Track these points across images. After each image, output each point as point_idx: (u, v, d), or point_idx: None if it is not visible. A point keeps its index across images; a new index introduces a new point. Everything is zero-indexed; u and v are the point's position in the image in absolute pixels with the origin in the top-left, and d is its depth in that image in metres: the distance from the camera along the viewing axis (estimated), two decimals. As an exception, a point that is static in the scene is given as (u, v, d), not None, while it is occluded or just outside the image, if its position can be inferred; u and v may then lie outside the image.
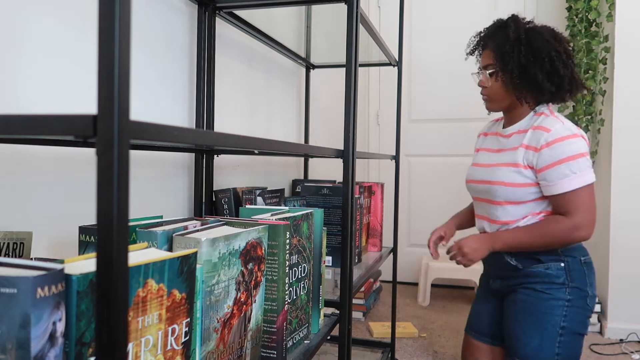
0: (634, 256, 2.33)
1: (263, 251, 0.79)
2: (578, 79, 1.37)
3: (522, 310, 1.38)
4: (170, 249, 0.68)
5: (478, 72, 1.47)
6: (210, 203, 1.35)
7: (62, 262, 0.50)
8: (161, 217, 0.82)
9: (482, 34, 1.48)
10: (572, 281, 1.34)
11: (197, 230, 0.72)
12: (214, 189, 1.37)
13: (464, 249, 1.36)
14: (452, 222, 1.64)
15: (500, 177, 1.38)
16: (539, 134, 1.32)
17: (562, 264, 1.34)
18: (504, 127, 1.47)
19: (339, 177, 1.29)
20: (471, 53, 1.51)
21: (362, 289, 2.52)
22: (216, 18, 1.33)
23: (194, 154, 1.31)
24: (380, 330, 2.31)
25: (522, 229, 1.36)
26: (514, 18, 1.43)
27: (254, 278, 0.77)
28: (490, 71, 1.40)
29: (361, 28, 1.29)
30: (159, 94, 1.19)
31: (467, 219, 1.65)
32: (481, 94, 1.47)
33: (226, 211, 1.35)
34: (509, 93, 1.39)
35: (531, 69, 1.32)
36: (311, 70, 2.14)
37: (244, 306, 0.75)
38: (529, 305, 1.37)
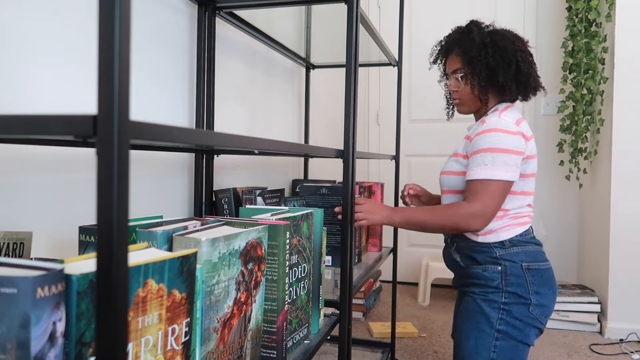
0: (634, 256, 2.33)
1: (263, 251, 0.79)
2: (538, 79, 1.41)
3: (463, 310, 1.38)
4: (170, 249, 0.68)
5: (444, 78, 1.52)
6: (210, 203, 1.35)
7: (62, 262, 0.50)
8: (161, 217, 0.82)
9: (445, 41, 1.50)
10: (508, 286, 1.30)
11: (197, 230, 0.72)
12: (214, 189, 1.37)
13: (362, 207, 1.33)
14: (429, 194, 1.71)
15: (446, 167, 1.46)
16: (478, 125, 1.38)
17: (499, 267, 1.32)
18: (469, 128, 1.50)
19: (339, 177, 1.28)
20: (435, 61, 1.54)
21: (362, 289, 2.52)
22: (216, 18, 1.33)
23: (194, 154, 1.31)
24: (380, 330, 2.31)
25: (424, 208, 1.37)
26: (475, 22, 1.45)
27: (254, 278, 0.77)
28: (460, 75, 1.42)
29: (361, 28, 1.29)
30: (159, 94, 1.19)
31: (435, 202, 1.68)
32: (452, 98, 1.50)
33: (226, 211, 1.35)
34: (477, 95, 1.42)
35: (499, 70, 1.35)
36: (311, 70, 2.14)
37: (244, 306, 0.75)
38: (468, 305, 1.36)
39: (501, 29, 1.42)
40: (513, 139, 1.29)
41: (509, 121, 1.32)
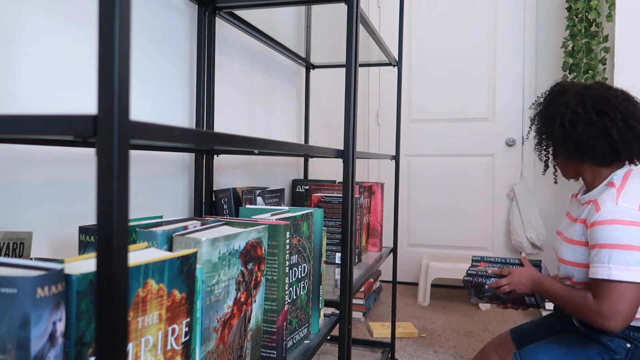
0: None
1: (263, 251, 0.79)
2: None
3: (565, 338, 1.30)
4: (170, 249, 0.68)
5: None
6: (210, 203, 1.35)
7: (62, 262, 0.50)
8: (161, 217, 0.82)
9: (534, 116, 1.45)
10: None
11: (197, 230, 0.72)
12: (214, 189, 1.37)
13: (514, 278, 1.35)
14: None
15: (563, 252, 1.31)
16: (592, 210, 1.21)
17: (628, 345, 1.21)
18: (584, 193, 1.36)
19: (339, 177, 1.28)
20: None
21: (362, 289, 2.52)
22: (216, 18, 1.33)
23: (194, 154, 1.31)
24: (380, 330, 2.31)
25: (563, 287, 1.26)
26: (560, 84, 1.37)
27: (254, 278, 0.77)
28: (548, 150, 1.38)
29: (361, 28, 1.28)
30: (158, 94, 1.19)
31: None
32: (555, 170, 1.46)
33: (226, 211, 1.35)
34: (571, 165, 1.33)
35: (581, 135, 1.23)
36: (311, 70, 2.14)
37: (244, 306, 0.75)
38: (577, 341, 1.27)
39: (594, 86, 1.29)
40: (635, 232, 1.12)
41: (629, 208, 1.15)
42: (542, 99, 1.39)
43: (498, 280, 1.38)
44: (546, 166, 1.42)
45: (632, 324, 1.21)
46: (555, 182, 1.56)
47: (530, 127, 1.45)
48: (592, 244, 1.19)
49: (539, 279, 1.33)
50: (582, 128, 1.22)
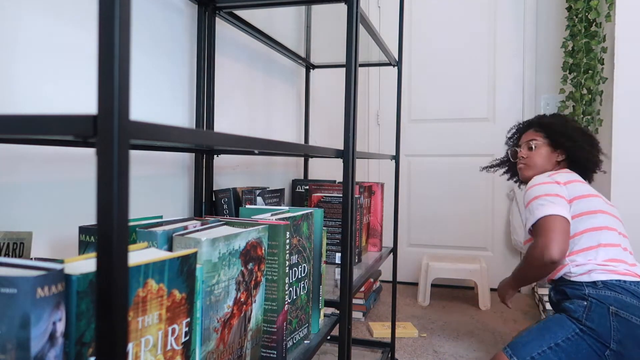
0: (634, 256, 2.33)
1: (263, 251, 0.79)
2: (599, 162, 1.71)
3: (543, 321, 1.47)
4: (170, 249, 0.68)
5: (514, 147, 1.80)
6: (210, 203, 1.35)
7: (62, 262, 0.50)
8: (161, 217, 0.82)
9: (523, 123, 1.82)
10: (588, 320, 1.34)
11: (197, 230, 0.72)
12: (214, 189, 1.37)
13: (498, 292, 1.69)
14: None
15: (522, 238, 1.74)
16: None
17: (585, 302, 1.38)
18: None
19: (339, 177, 1.28)
20: (511, 138, 1.87)
21: (362, 289, 2.52)
22: (216, 18, 1.33)
23: (194, 154, 1.31)
24: (380, 330, 2.31)
25: (519, 265, 1.58)
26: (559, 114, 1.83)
27: (254, 278, 0.77)
28: (534, 143, 1.69)
29: (361, 28, 1.29)
30: (159, 94, 1.19)
31: None
32: (519, 163, 1.75)
33: (226, 211, 1.35)
34: (547, 162, 1.68)
35: (581, 151, 1.64)
36: (311, 70, 2.14)
37: (244, 306, 0.75)
38: (549, 317, 1.45)
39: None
40: (545, 187, 1.51)
41: (542, 177, 1.57)
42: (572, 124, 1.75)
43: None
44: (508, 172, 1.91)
45: (587, 279, 1.40)
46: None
47: (520, 131, 1.84)
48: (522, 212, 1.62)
49: (511, 279, 1.62)
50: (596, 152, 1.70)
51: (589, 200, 1.51)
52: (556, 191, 1.49)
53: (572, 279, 1.45)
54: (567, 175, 1.58)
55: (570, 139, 1.65)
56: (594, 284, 1.39)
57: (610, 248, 1.46)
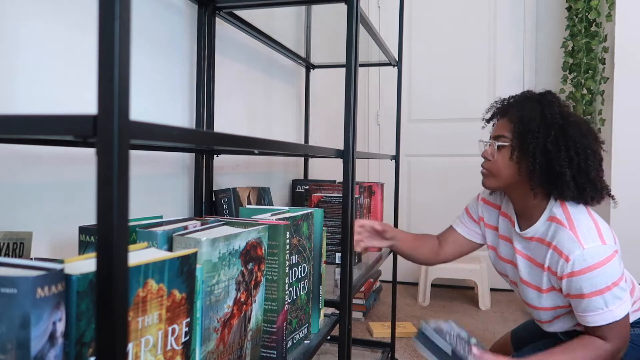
0: (634, 255, 2.33)
1: (263, 251, 0.79)
2: (603, 184, 1.18)
3: (554, 342, 1.27)
4: (170, 249, 0.68)
5: (486, 141, 1.27)
6: (210, 203, 1.35)
7: (62, 262, 0.50)
8: (161, 217, 0.82)
9: (507, 100, 1.27)
10: None
11: (197, 230, 0.72)
12: (214, 189, 1.36)
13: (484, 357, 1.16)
14: (397, 231, 1.49)
15: (530, 299, 1.26)
16: (556, 259, 1.15)
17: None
18: (518, 224, 1.28)
19: (339, 177, 1.28)
20: (489, 120, 1.31)
21: (362, 289, 2.52)
22: (216, 18, 1.33)
23: (194, 154, 1.31)
24: (380, 330, 2.31)
25: (562, 349, 1.17)
26: (554, 95, 1.22)
27: (254, 278, 0.77)
28: (500, 143, 1.20)
29: (361, 28, 1.28)
30: (159, 94, 1.19)
31: (411, 245, 1.48)
32: (481, 165, 1.27)
33: (226, 211, 1.35)
34: (518, 177, 1.19)
35: (558, 161, 1.12)
36: (311, 70, 2.14)
37: (244, 306, 0.75)
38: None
39: (577, 116, 1.19)
40: (616, 264, 1.11)
41: (595, 244, 1.11)
42: (529, 95, 1.24)
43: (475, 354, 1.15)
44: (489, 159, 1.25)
45: None
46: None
47: (493, 114, 1.28)
48: (575, 294, 1.13)
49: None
50: (593, 168, 1.14)
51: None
52: (622, 269, 1.15)
53: None
54: (606, 224, 1.18)
55: (545, 149, 1.13)
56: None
57: (634, 300, 1.24)
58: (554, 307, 1.23)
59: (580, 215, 1.16)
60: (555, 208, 1.19)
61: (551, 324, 1.27)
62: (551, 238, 1.18)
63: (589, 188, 1.14)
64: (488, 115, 1.31)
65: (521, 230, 1.27)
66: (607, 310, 1.11)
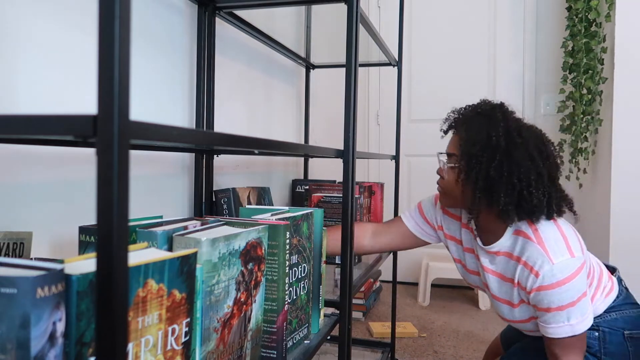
0: (634, 256, 2.33)
1: (263, 251, 0.79)
2: (560, 201, 1.15)
3: (537, 341, 1.26)
4: (170, 249, 0.68)
5: (442, 154, 1.24)
6: (210, 203, 1.35)
7: (62, 262, 0.50)
8: (161, 217, 0.82)
9: (461, 112, 1.23)
10: (608, 355, 1.20)
11: (197, 230, 0.72)
12: (214, 189, 1.37)
13: None
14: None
15: (504, 314, 1.27)
16: (526, 274, 1.14)
17: (597, 333, 1.21)
18: (481, 239, 1.25)
19: (339, 177, 1.28)
20: (445, 132, 1.26)
21: (362, 289, 2.52)
22: (216, 18, 1.33)
23: (194, 154, 1.31)
24: (380, 330, 2.31)
25: None
26: (502, 109, 1.17)
27: (254, 278, 0.77)
28: (450, 165, 1.18)
29: (361, 28, 1.28)
30: (159, 94, 1.19)
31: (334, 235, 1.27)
32: (437, 182, 1.25)
33: (225, 211, 1.35)
34: (465, 197, 1.17)
35: (498, 187, 1.09)
36: (311, 70, 2.14)
37: (244, 306, 0.75)
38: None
39: (528, 129, 1.14)
40: (580, 279, 1.10)
41: (564, 257, 1.10)
42: (480, 110, 1.18)
43: None
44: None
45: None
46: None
47: (447, 127, 1.25)
48: (541, 307, 1.13)
49: None
50: (539, 192, 1.10)
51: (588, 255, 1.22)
52: (585, 279, 1.14)
53: None
54: (573, 233, 1.17)
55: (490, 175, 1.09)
56: (598, 316, 1.23)
57: (603, 286, 1.26)
58: (528, 318, 1.22)
59: (547, 228, 1.14)
60: (520, 222, 1.16)
61: (537, 332, 1.25)
62: (520, 253, 1.16)
63: (537, 211, 1.11)
64: (445, 127, 1.26)
65: (484, 245, 1.24)
66: (568, 325, 1.11)
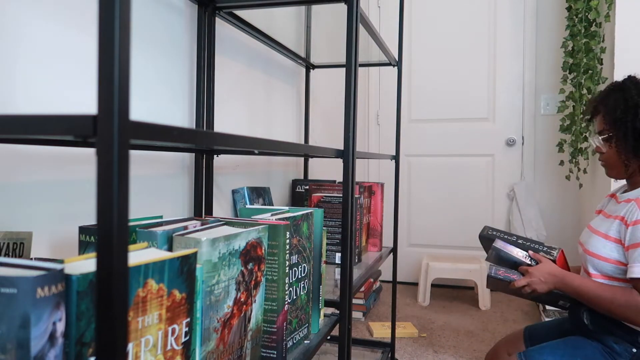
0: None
1: (263, 251, 0.79)
2: None
3: (571, 340, 1.30)
4: (170, 249, 0.68)
5: (594, 136, 1.38)
6: (210, 203, 1.35)
7: (62, 262, 0.50)
8: (161, 217, 0.82)
9: (595, 99, 1.39)
10: None
11: (197, 230, 0.72)
12: (214, 189, 1.36)
13: (532, 277, 1.30)
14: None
15: (596, 248, 1.29)
16: (633, 208, 1.21)
17: (634, 350, 1.21)
18: (623, 192, 1.35)
19: (339, 177, 1.28)
20: (590, 119, 1.43)
21: (362, 289, 2.52)
22: (216, 18, 1.33)
23: (194, 154, 1.31)
24: (380, 330, 2.31)
25: (598, 285, 1.25)
26: (633, 80, 1.34)
27: (254, 278, 0.77)
28: (603, 137, 1.32)
29: (361, 28, 1.28)
30: (159, 94, 1.19)
31: None
32: (599, 159, 1.39)
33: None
34: (625, 159, 1.29)
35: None
36: (311, 70, 2.14)
37: (244, 306, 0.75)
38: (582, 343, 1.27)
39: None
40: None
41: None
42: (612, 87, 1.37)
43: (516, 282, 1.31)
44: (600, 152, 1.37)
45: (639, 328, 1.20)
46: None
47: (590, 114, 1.40)
48: (631, 242, 1.18)
49: (562, 275, 1.30)
50: None
51: None
52: None
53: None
54: None
55: None
56: None
57: None
58: (612, 259, 1.25)
59: None
60: None
61: (605, 277, 1.28)
62: (636, 195, 1.26)
63: None
64: (588, 114, 1.43)
65: (621, 193, 1.36)
66: None
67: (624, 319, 1.19)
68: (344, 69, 1.12)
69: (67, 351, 0.46)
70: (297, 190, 1.99)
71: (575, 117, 2.62)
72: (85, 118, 0.38)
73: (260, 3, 1.26)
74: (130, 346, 0.51)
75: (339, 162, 1.14)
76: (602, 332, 1.26)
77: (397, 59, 1.98)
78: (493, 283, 1.37)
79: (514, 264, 1.38)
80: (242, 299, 0.74)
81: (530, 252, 1.39)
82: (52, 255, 0.89)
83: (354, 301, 2.48)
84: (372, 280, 2.72)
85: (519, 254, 1.38)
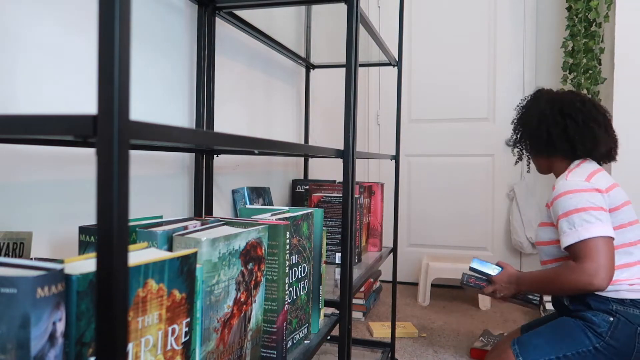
0: None
1: (263, 251, 0.79)
2: (591, 135, 1.41)
3: (555, 322, 1.40)
4: (170, 249, 0.68)
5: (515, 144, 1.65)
6: (210, 203, 1.35)
7: (62, 262, 0.50)
8: (161, 217, 0.82)
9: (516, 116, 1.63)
10: (613, 339, 1.26)
11: (197, 230, 0.72)
12: (214, 189, 1.36)
13: (496, 286, 1.51)
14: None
15: (538, 237, 1.49)
16: (551, 192, 1.42)
17: (612, 319, 1.28)
18: None
19: (339, 177, 1.28)
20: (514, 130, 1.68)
21: (362, 289, 2.52)
22: (216, 18, 1.33)
23: (194, 154, 1.31)
24: (380, 330, 2.31)
25: (541, 271, 1.42)
26: (535, 94, 1.57)
27: (254, 278, 0.77)
28: (524, 152, 1.60)
29: (361, 28, 1.28)
30: (158, 94, 1.19)
31: None
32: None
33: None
34: (538, 159, 1.55)
35: (531, 136, 1.50)
36: (311, 70, 2.14)
37: (244, 306, 0.75)
38: (564, 322, 1.37)
39: (548, 94, 1.52)
40: (587, 196, 1.32)
41: (577, 180, 1.36)
42: (523, 102, 1.59)
43: (484, 289, 1.53)
44: (520, 159, 1.65)
45: (615, 296, 1.30)
46: (528, 172, 1.77)
47: (513, 126, 1.63)
48: (555, 218, 1.37)
49: (517, 275, 1.47)
50: (546, 127, 1.44)
51: (626, 211, 1.37)
52: (600, 203, 1.31)
53: (598, 292, 1.32)
54: (605, 176, 1.39)
55: (553, 140, 1.44)
56: (621, 300, 1.29)
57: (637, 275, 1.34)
58: (549, 240, 1.44)
59: (589, 164, 1.43)
60: (573, 164, 1.45)
61: (551, 260, 1.46)
62: (555, 183, 1.44)
63: (584, 140, 1.41)
64: (513, 123, 1.63)
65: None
66: (574, 230, 1.29)
67: (574, 289, 1.30)
68: (344, 69, 1.12)
69: (67, 351, 0.46)
70: (297, 190, 1.99)
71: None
72: (85, 118, 0.38)
73: (260, 3, 1.26)
74: (130, 346, 0.51)
75: (339, 162, 1.14)
76: (581, 309, 1.36)
77: (397, 59, 1.98)
78: (467, 289, 1.59)
79: (484, 274, 1.58)
80: (242, 299, 0.74)
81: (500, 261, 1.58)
82: (52, 255, 0.89)
83: (354, 301, 2.48)
84: (372, 280, 2.72)
85: (487, 269, 1.57)
